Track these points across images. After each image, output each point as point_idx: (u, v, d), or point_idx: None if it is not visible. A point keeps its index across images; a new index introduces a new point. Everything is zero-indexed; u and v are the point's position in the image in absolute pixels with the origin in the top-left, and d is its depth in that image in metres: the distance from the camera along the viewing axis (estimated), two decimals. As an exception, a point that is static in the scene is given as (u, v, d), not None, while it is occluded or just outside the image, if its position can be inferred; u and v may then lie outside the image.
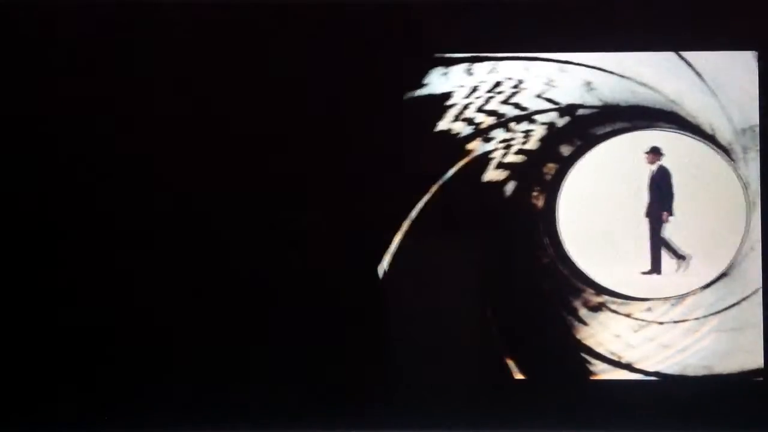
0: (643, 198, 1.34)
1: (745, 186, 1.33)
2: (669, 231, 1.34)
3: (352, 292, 1.32)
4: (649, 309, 1.33)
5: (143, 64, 1.31)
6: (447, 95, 1.33)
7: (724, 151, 1.34)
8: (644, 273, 1.33)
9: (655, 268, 1.34)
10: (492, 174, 1.34)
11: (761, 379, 1.32)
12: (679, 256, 1.33)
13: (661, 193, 1.33)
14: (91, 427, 1.30)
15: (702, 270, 1.33)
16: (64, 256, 1.30)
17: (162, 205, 1.30)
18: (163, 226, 1.30)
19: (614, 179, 1.34)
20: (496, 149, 1.34)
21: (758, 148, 1.34)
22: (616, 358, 1.33)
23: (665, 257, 1.34)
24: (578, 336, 1.33)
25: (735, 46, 1.33)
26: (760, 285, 1.33)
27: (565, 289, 1.34)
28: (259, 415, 1.30)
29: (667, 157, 1.34)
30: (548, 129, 1.34)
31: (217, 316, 1.30)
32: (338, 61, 1.32)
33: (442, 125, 1.33)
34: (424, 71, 1.33)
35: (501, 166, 1.34)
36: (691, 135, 1.34)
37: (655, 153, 1.33)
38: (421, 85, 1.33)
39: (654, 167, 1.33)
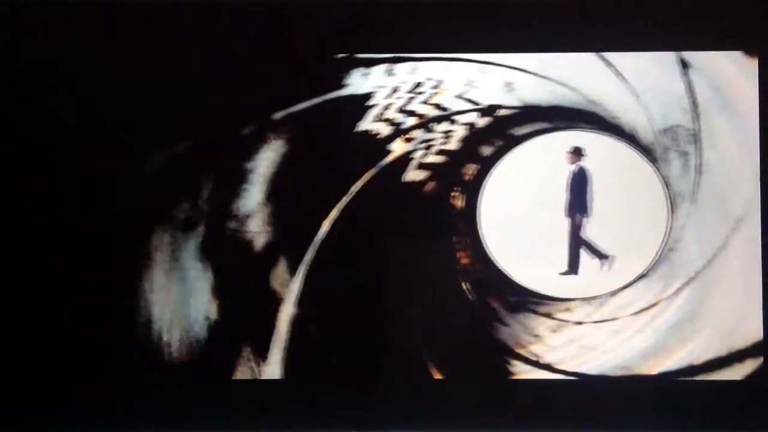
0: (564, 198, 1.34)
1: (667, 186, 1.33)
2: (590, 231, 1.34)
3: (272, 291, 1.32)
4: (568, 309, 1.33)
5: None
6: (368, 96, 1.34)
7: (646, 151, 1.33)
8: (563, 273, 1.33)
9: (574, 268, 1.33)
10: (412, 174, 1.34)
11: (682, 378, 1.32)
12: (602, 256, 1.33)
13: (581, 194, 1.33)
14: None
15: (622, 270, 1.33)
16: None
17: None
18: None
19: (535, 179, 1.34)
20: (416, 149, 1.34)
21: (679, 148, 1.33)
22: (535, 359, 1.33)
23: (586, 257, 1.34)
24: (498, 336, 1.33)
25: (657, 46, 1.32)
26: (679, 287, 1.33)
27: (485, 289, 1.34)
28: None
29: (588, 157, 1.34)
30: (469, 129, 1.34)
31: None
32: (260, 61, 1.32)
33: (363, 126, 1.33)
34: (345, 71, 1.33)
35: (421, 166, 1.34)
36: (612, 135, 1.34)
37: (576, 153, 1.33)
38: (342, 86, 1.33)
39: (575, 167, 1.34)
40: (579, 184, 1.33)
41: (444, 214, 1.34)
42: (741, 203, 1.32)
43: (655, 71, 1.32)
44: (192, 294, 1.33)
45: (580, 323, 1.33)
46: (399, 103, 1.34)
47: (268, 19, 1.33)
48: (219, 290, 1.34)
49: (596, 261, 1.34)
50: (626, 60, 1.32)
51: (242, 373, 1.33)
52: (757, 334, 1.31)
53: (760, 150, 1.31)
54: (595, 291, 1.33)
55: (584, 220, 1.33)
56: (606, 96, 1.33)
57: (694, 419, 1.31)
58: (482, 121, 1.34)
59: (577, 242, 1.33)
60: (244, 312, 1.33)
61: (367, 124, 1.33)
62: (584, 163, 1.33)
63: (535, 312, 1.34)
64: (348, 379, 1.32)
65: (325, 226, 1.33)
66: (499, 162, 1.34)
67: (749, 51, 1.32)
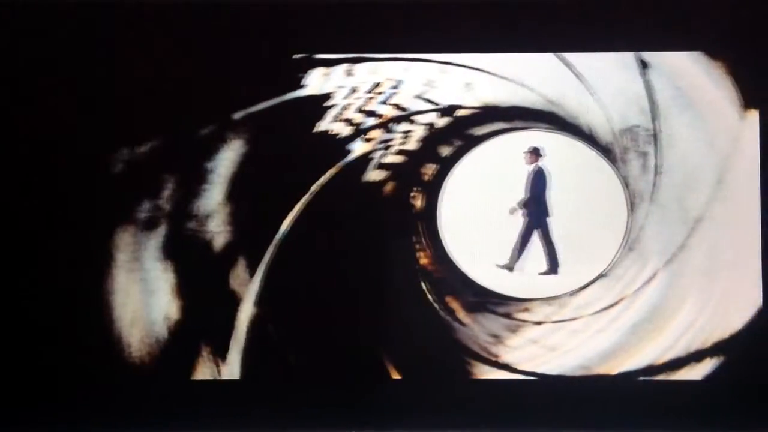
0: (523, 198, 1.34)
1: (626, 186, 1.33)
2: (549, 231, 1.34)
3: (232, 291, 1.33)
4: (527, 309, 1.34)
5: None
6: (327, 96, 1.34)
7: (605, 151, 1.34)
8: (541, 274, 1.34)
9: (552, 269, 1.34)
10: (372, 174, 1.34)
11: (642, 378, 1.32)
12: (554, 257, 1.33)
13: (538, 194, 1.33)
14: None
15: (581, 270, 1.33)
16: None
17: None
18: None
19: (495, 179, 1.34)
20: (376, 150, 1.34)
21: (638, 148, 1.33)
22: (494, 359, 1.33)
23: (564, 255, 1.34)
24: (457, 336, 1.33)
25: (616, 47, 1.33)
26: (638, 287, 1.33)
27: (445, 289, 1.34)
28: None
29: (546, 157, 1.34)
30: (428, 129, 1.34)
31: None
32: (219, 62, 1.32)
33: (323, 126, 1.34)
34: (304, 72, 1.33)
35: (381, 166, 1.34)
36: (571, 135, 1.34)
37: (534, 153, 1.34)
38: (301, 86, 1.33)
39: (533, 167, 1.34)
40: (537, 184, 1.33)
41: (403, 214, 1.34)
42: (700, 203, 1.32)
43: (614, 72, 1.33)
44: (152, 294, 1.34)
45: (539, 323, 1.33)
46: (358, 103, 1.34)
47: (227, 19, 1.33)
48: (179, 290, 1.33)
49: (554, 260, 1.34)
50: (585, 60, 1.33)
51: (202, 373, 1.33)
52: (717, 334, 1.31)
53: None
54: (554, 291, 1.33)
55: (547, 218, 1.33)
56: (565, 96, 1.33)
57: (654, 419, 1.31)
58: (442, 122, 1.34)
59: (551, 241, 1.33)
60: (203, 312, 1.33)
61: (327, 124, 1.34)
62: (543, 163, 1.33)
63: (494, 312, 1.34)
64: (306, 379, 1.32)
65: (285, 226, 1.33)
66: (458, 162, 1.34)
67: (710, 52, 1.32)
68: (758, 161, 1.32)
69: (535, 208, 1.33)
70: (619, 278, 1.33)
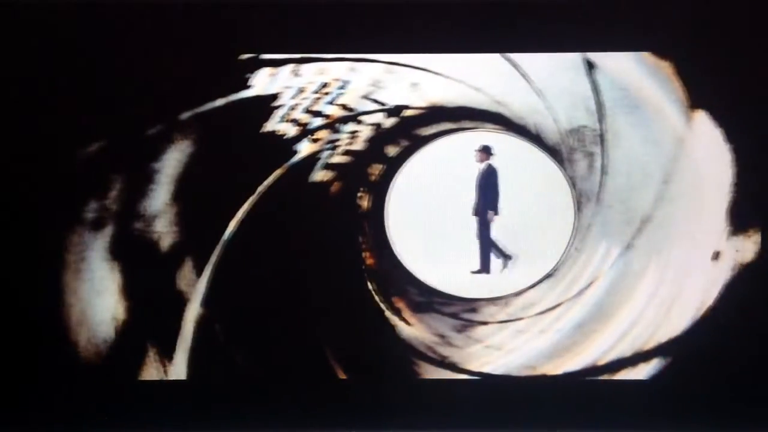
0: (471, 197, 1.34)
1: (572, 187, 1.33)
2: (497, 231, 1.34)
3: (179, 291, 1.33)
4: (474, 309, 1.34)
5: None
6: (274, 96, 1.34)
7: (552, 152, 1.34)
8: (472, 273, 1.34)
9: (483, 267, 1.34)
10: (318, 175, 1.34)
11: (587, 378, 1.32)
12: (506, 256, 1.33)
13: (488, 193, 1.34)
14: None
15: (528, 270, 1.33)
16: None
17: None
18: None
19: (442, 179, 1.34)
20: (323, 150, 1.34)
21: (585, 148, 1.34)
22: (440, 359, 1.33)
23: (492, 257, 1.34)
24: (403, 336, 1.34)
25: (563, 47, 1.33)
26: (585, 286, 1.33)
27: (391, 289, 1.34)
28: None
29: (495, 156, 1.34)
30: (375, 130, 1.34)
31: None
32: (166, 62, 1.32)
33: (270, 126, 1.34)
34: (251, 72, 1.33)
35: (328, 166, 1.34)
36: (517, 136, 1.34)
37: (484, 151, 1.34)
38: (248, 86, 1.33)
39: (483, 166, 1.34)
40: (487, 183, 1.33)
41: (350, 214, 1.34)
42: (646, 204, 1.32)
43: (561, 72, 1.33)
44: (99, 294, 1.33)
45: (485, 323, 1.34)
46: (305, 103, 1.34)
47: (173, 19, 1.32)
48: (126, 291, 1.33)
49: (501, 261, 1.34)
50: (532, 61, 1.33)
51: (148, 373, 1.33)
52: (662, 334, 1.32)
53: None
54: (500, 291, 1.33)
55: (495, 218, 1.34)
56: (511, 97, 1.33)
57: (599, 419, 1.32)
58: (388, 122, 1.34)
59: (486, 241, 1.33)
60: (150, 312, 1.33)
61: (274, 124, 1.34)
62: (493, 161, 1.34)
63: (440, 312, 1.34)
64: (253, 379, 1.32)
65: (232, 226, 1.33)
66: (406, 162, 1.34)
67: (657, 52, 1.32)
68: (705, 161, 1.32)
69: (484, 206, 1.33)
70: (566, 278, 1.33)
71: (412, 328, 1.34)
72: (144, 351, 1.33)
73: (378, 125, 1.34)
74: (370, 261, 1.34)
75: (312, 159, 1.34)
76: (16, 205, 1.32)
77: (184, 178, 1.34)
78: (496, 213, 1.33)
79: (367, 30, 1.33)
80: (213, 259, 1.33)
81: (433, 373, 1.33)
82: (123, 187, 1.34)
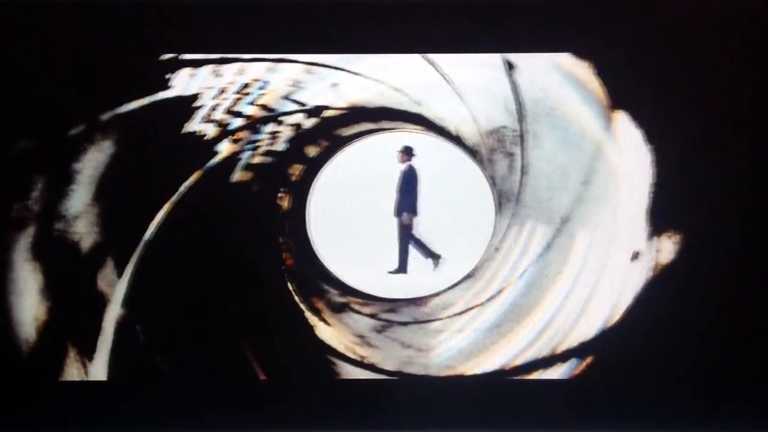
0: (393, 198, 1.34)
1: (493, 187, 1.34)
2: (420, 231, 1.35)
3: (100, 292, 1.33)
4: (393, 310, 1.34)
5: None
6: (195, 97, 1.34)
7: (472, 152, 1.34)
8: (391, 273, 1.34)
9: (402, 268, 1.34)
10: (239, 175, 1.34)
11: (507, 378, 1.32)
12: (434, 256, 1.34)
13: (408, 194, 1.34)
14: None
15: (448, 270, 1.34)
16: None
17: None
18: None
19: (362, 179, 1.34)
20: (243, 150, 1.34)
21: (505, 149, 1.34)
22: (359, 359, 1.34)
23: (415, 257, 1.34)
24: (321, 336, 1.34)
25: (482, 48, 1.33)
26: (503, 286, 1.33)
27: (311, 289, 1.34)
28: None
29: (416, 157, 1.34)
30: (295, 130, 1.34)
31: None
32: (86, 62, 1.32)
33: (191, 127, 1.34)
34: (172, 72, 1.33)
35: (248, 167, 1.34)
36: (438, 136, 1.34)
37: (406, 153, 1.34)
38: (169, 87, 1.33)
39: (404, 167, 1.34)
40: (408, 184, 1.34)
41: (270, 214, 1.34)
42: (566, 204, 1.33)
43: (480, 73, 1.33)
44: (20, 295, 1.33)
45: (405, 323, 1.34)
46: (226, 104, 1.34)
47: (94, 19, 1.32)
48: (47, 291, 1.33)
49: (426, 261, 1.34)
50: (452, 61, 1.33)
51: (69, 374, 1.33)
52: (580, 334, 1.32)
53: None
54: (421, 291, 1.34)
55: (414, 219, 1.34)
56: (431, 97, 1.34)
57: (517, 418, 1.32)
58: (309, 122, 1.34)
59: (407, 241, 1.33)
60: (71, 313, 1.33)
61: (195, 125, 1.34)
62: (414, 162, 1.34)
63: (359, 312, 1.34)
64: (173, 379, 1.32)
65: (153, 226, 1.33)
66: (326, 163, 1.35)
67: (578, 53, 1.32)
68: (625, 162, 1.32)
69: (402, 207, 1.33)
70: (485, 278, 1.34)
71: (332, 329, 1.34)
72: (65, 351, 1.33)
73: (298, 126, 1.35)
74: (290, 261, 1.34)
75: (233, 159, 1.34)
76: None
77: (105, 179, 1.34)
78: (415, 214, 1.33)
79: (286, 30, 1.33)
80: (134, 259, 1.33)
81: (352, 373, 1.34)
82: (44, 188, 1.33)
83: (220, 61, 1.34)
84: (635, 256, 1.32)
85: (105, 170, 1.34)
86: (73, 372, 1.33)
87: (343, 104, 1.34)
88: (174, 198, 1.33)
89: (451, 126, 1.34)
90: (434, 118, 1.34)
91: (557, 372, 1.32)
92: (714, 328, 1.31)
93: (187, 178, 1.33)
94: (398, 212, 1.33)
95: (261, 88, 1.34)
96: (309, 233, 1.34)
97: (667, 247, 1.32)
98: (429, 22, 1.33)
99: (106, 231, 1.34)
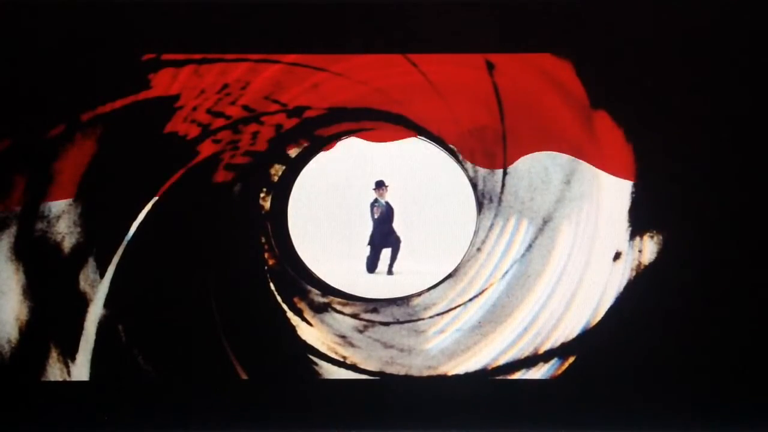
0: (373, 198, 1.34)
1: (474, 187, 1.34)
2: (399, 231, 1.35)
3: (81, 292, 1.33)
4: (375, 310, 1.34)
5: None
6: (176, 97, 1.34)
7: (452, 152, 1.34)
8: (372, 273, 1.34)
9: (383, 268, 1.34)
10: (221, 175, 1.34)
11: (489, 378, 1.32)
12: (392, 257, 1.34)
13: (383, 228, 1.34)
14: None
15: (430, 270, 1.34)
16: None
17: None
18: None
19: (343, 180, 1.34)
20: (225, 151, 1.34)
21: (486, 149, 1.34)
22: (341, 359, 1.34)
23: (400, 257, 1.35)
24: (303, 337, 1.34)
25: (463, 48, 1.33)
26: (485, 286, 1.33)
27: (293, 290, 1.34)
28: None
29: (396, 158, 1.34)
30: (276, 130, 1.34)
31: None
32: (67, 62, 1.32)
33: (172, 127, 1.34)
34: (153, 72, 1.33)
35: (229, 167, 1.34)
36: (419, 136, 1.34)
37: (380, 187, 1.34)
38: (150, 87, 1.33)
39: (383, 201, 1.34)
40: (386, 218, 1.34)
41: (252, 214, 1.34)
42: (547, 204, 1.33)
43: (461, 73, 1.33)
44: (2, 295, 1.33)
45: (386, 324, 1.34)
46: (207, 104, 1.34)
47: (75, 18, 1.32)
48: (29, 291, 1.33)
49: (407, 261, 1.34)
50: (433, 61, 1.33)
51: (51, 374, 1.33)
52: (562, 334, 1.32)
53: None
54: (401, 291, 1.34)
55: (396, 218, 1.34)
56: (413, 97, 1.34)
57: (499, 418, 1.32)
58: (289, 123, 1.34)
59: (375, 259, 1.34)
60: (53, 313, 1.33)
61: (176, 125, 1.34)
62: (389, 194, 1.34)
63: (341, 312, 1.34)
64: (155, 379, 1.32)
65: (134, 227, 1.33)
66: (307, 163, 1.35)
67: (558, 53, 1.32)
68: (606, 162, 1.32)
69: (383, 240, 1.34)
70: (466, 278, 1.33)
71: (313, 329, 1.35)
72: (47, 352, 1.33)
73: (279, 126, 1.34)
74: (271, 261, 1.34)
75: (214, 160, 1.34)
76: None
77: (87, 179, 1.34)
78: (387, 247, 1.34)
79: (268, 30, 1.33)
80: (115, 259, 1.33)
81: (333, 373, 1.34)
82: (26, 188, 1.33)
83: (201, 61, 1.34)
84: (617, 256, 1.32)
85: (86, 170, 1.34)
86: (55, 372, 1.33)
87: (324, 104, 1.34)
88: (155, 198, 1.33)
89: (433, 126, 1.34)
90: (416, 118, 1.34)
91: (540, 372, 1.32)
92: (695, 328, 1.31)
93: (168, 179, 1.33)
94: (372, 242, 1.33)
95: (242, 89, 1.34)
96: (290, 233, 1.34)
97: (649, 247, 1.32)
98: (410, 22, 1.33)
99: (88, 231, 1.34)
